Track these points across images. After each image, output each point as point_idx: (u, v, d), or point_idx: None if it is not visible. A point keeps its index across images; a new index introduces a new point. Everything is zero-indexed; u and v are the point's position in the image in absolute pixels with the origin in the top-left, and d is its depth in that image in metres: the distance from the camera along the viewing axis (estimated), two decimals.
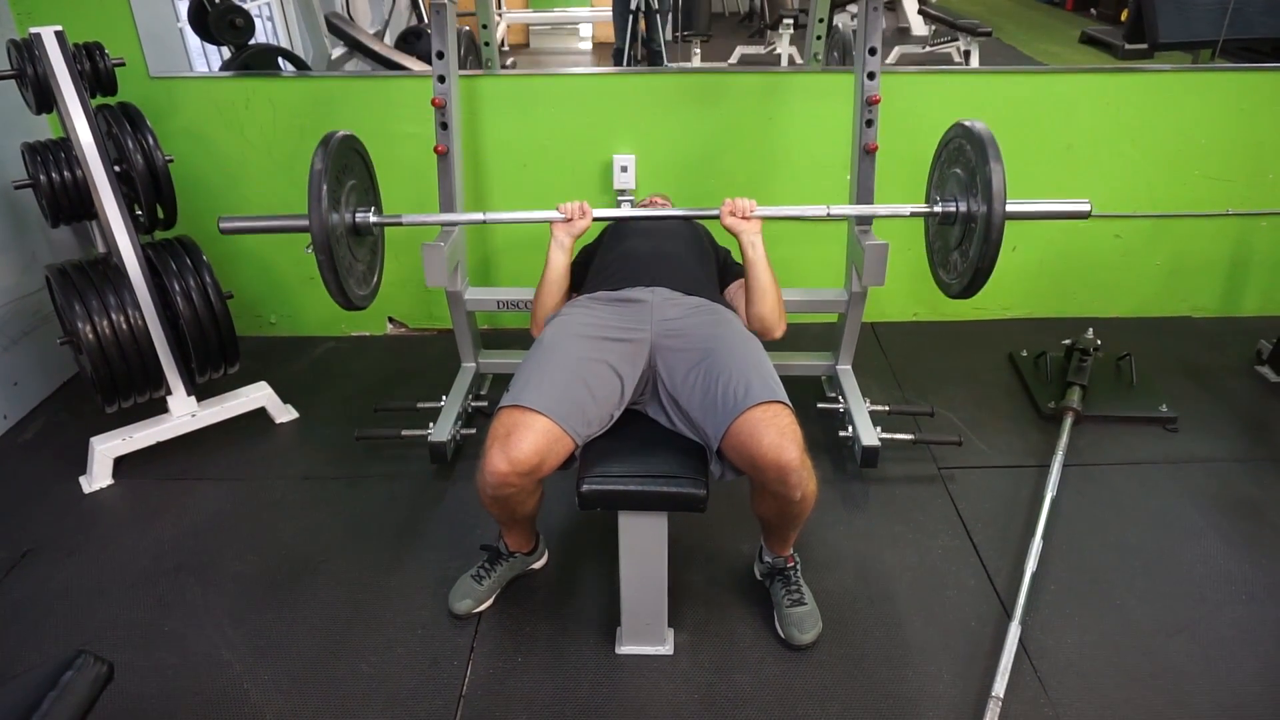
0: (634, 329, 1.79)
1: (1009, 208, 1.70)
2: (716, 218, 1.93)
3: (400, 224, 1.99)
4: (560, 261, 1.97)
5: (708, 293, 1.93)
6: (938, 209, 1.91)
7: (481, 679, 1.77)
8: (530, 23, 4.04)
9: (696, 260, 2.07)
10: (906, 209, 1.98)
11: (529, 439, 1.57)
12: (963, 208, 1.85)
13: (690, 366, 1.70)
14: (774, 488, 1.59)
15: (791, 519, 1.73)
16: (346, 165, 1.87)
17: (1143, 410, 2.58)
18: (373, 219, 1.93)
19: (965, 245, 1.85)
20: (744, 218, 1.91)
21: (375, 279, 2.05)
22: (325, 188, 1.70)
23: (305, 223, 1.71)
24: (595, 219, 1.98)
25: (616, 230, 2.20)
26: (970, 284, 1.82)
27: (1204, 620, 1.88)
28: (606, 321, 1.81)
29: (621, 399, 1.73)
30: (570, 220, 1.95)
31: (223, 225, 1.87)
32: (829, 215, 2.03)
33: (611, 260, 2.05)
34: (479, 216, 2.08)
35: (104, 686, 1.13)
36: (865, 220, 2.42)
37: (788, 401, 1.61)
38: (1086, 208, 1.82)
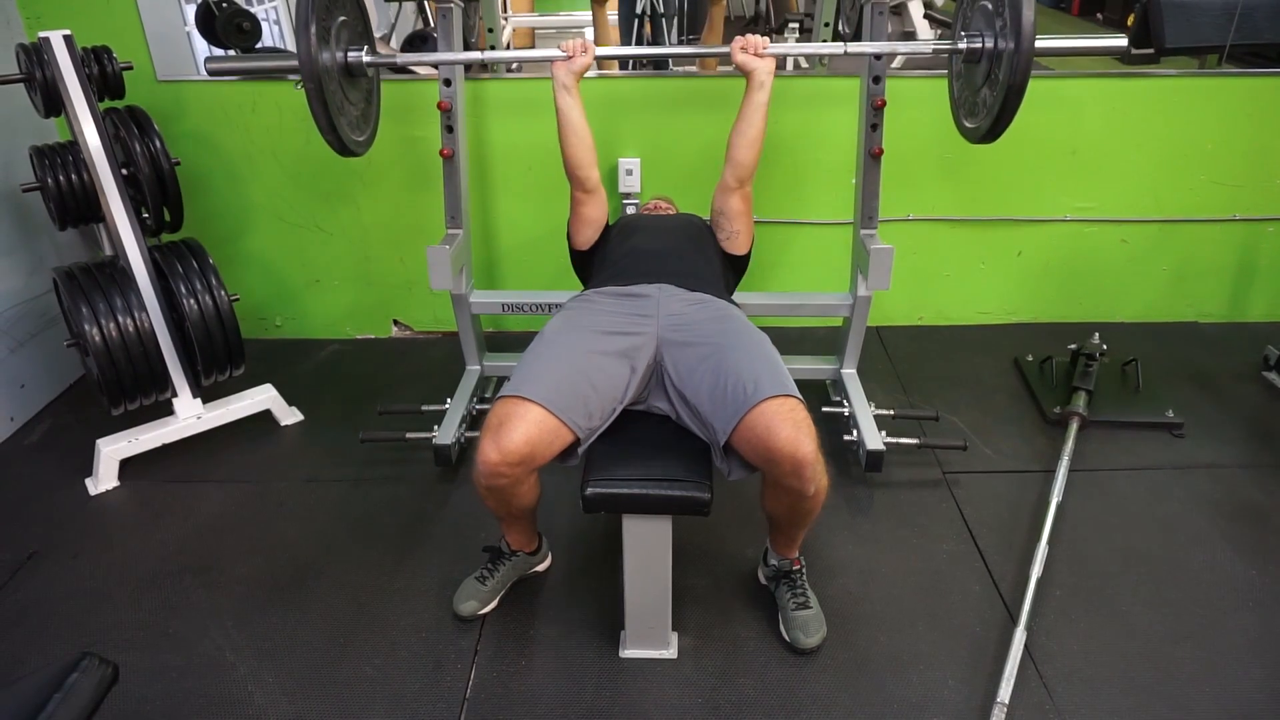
0: (639, 324, 1.79)
1: (1039, 44, 1.65)
2: (728, 54, 1.97)
3: (394, 62, 1.95)
4: (569, 104, 2.00)
5: (714, 290, 1.93)
6: (963, 45, 1.86)
7: (485, 681, 1.77)
8: (536, 27, 4.05)
9: (702, 257, 2.07)
10: (929, 45, 1.94)
11: (520, 429, 1.57)
12: (989, 43, 1.80)
13: (698, 361, 1.70)
14: (788, 482, 1.58)
15: (802, 515, 1.73)
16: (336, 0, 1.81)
17: (1149, 416, 2.57)
18: (366, 58, 1.88)
19: (991, 82, 1.79)
20: (756, 54, 1.94)
21: (371, 128, 1.99)
22: (314, 15, 1.64)
23: (294, 63, 1.66)
24: (597, 57, 2.00)
25: (623, 226, 2.21)
26: (993, 127, 1.77)
27: (1210, 627, 1.87)
28: (611, 316, 1.81)
29: (625, 392, 1.73)
30: (571, 57, 1.97)
31: (209, 66, 1.86)
32: (846, 53, 2.01)
33: (617, 256, 2.05)
34: (477, 56, 2.05)
35: (109, 688, 1.13)
36: (870, 223, 2.42)
37: (800, 396, 1.61)
38: (1123, 43, 1.76)
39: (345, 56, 1.84)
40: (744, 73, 1.98)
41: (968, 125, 1.92)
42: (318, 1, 1.68)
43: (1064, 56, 1.80)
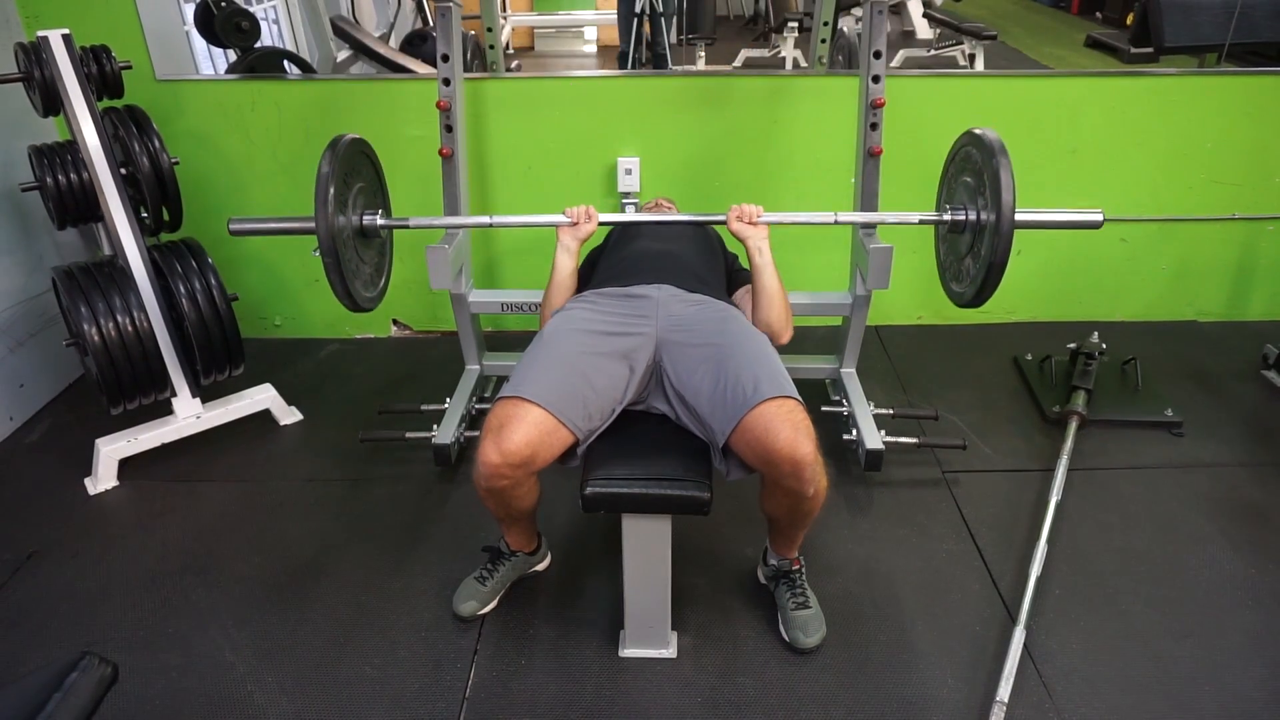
0: (639, 324, 1.79)
1: (1019, 216, 1.69)
2: (723, 223, 1.94)
3: (407, 226, 2.00)
4: (566, 266, 1.97)
5: (714, 291, 1.93)
6: (947, 217, 1.90)
7: (485, 681, 1.77)
8: (535, 26, 4.04)
9: (703, 261, 2.07)
10: (915, 216, 1.97)
11: (521, 430, 1.57)
12: (972, 216, 1.84)
13: (697, 362, 1.70)
14: (787, 483, 1.58)
15: (802, 516, 1.73)
16: (354, 168, 1.88)
17: (1148, 415, 2.57)
18: (380, 221, 1.94)
19: (975, 253, 1.84)
20: (750, 223, 1.91)
21: (383, 281, 2.06)
22: (332, 191, 1.71)
23: (312, 225, 1.72)
24: (601, 223, 1.98)
25: (624, 230, 2.20)
26: (979, 293, 1.81)
27: (1210, 625, 1.87)
28: (610, 316, 1.81)
29: (625, 392, 1.73)
30: (576, 224, 1.95)
31: (232, 227, 1.88)
32: (836, 222, 2.02)
33: (618, 259, 2.05)
34: (485, 220, 2.09)
35: (108, 688, 1.13)
36: (870, 225, 2.42)
37: (799, 397, 1.61)
38: (1099, 218, 1.79)
39: (361, 221, 1.90)
40: (740, 240, 1.93)
41: (954, 289, 1.97)
42: (337, 176, 1.74)
43: (1043, 229, 1.85)
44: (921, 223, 1.96)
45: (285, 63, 3.10)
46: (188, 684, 1.78)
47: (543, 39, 4.08)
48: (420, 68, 3.04)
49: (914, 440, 2.39)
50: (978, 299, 1.83)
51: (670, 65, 3.32)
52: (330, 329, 3.23)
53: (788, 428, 1.54)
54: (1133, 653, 1.81)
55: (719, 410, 1.62)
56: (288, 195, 2.97)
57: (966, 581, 2.01)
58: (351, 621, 1.93)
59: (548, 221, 1.99)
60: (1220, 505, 2.23)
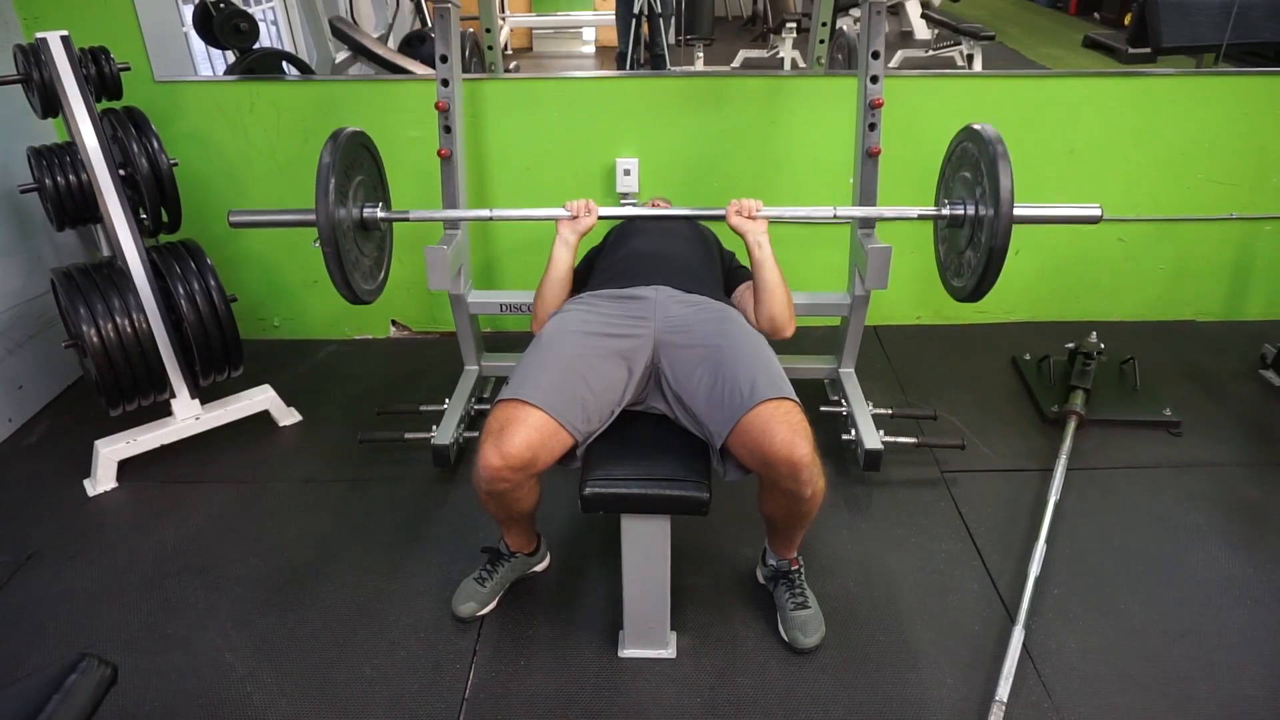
0: (636, 325, 1.79)
1: (1017, 211, 1.69)
2: (722, 218, 1.94)
3: (407, 219, 2.00)
4: (564, 259, 1.97)
5: (711, 292, 1.93)
6: (945, 211, 1.91)
7: (484, 682, 1.77)
8: (534, 26, 4.05)
9: (701, 261, 2.07)
10: (914, 211, 1.98)
11: (522, 433, 1.57)
12: (970, 211, 1.84)
13: (695, 364, 1.70)
14: (785, 485, 1.58)
15: (800, 517, 1.73)
16: (355, 161, 1.88)
17: (1146, 414, 2.58)
18: (380, 214, 1.94)
19: (975, 244, 1.84)
20: (749, 217, 1.91)
21: (382, 274, 2.06)
22: (333, 182, 1.71)
23: (313, 217, 1.72)
24: (601, 217, 1.98)
25: (621, 231, 2.20)
26: (977, 287, 1.81)
27: (1208, 625, 1.87)
28: (608, 318, 1.81)
29: (623, 394, 1.73)
30: (576, 218, 1.95)
31: (232, 219, 1.89)
32: (835, 217, 2.02)
33: (615, 260, 2.05)
34: (485, 214, 2.08)
35: (107, 690, 1.13)
36: (869, 223, 2.42)
37: (796, 398, 1.61)
38: (1097, 213, 1.80)
39: (361, 213, 1.90)
40: (739, 235, 1.92)
41: (954, 284, 1.97)
42: (338, 168, 1.74)
43: (1042, 224, 1.86)
44: (920, 217, 1.97)
45: (284, 64, 3.10)
46: (187, 685, 1.78)
47: (541, 39, 4.08)
48: (419, 69, 3.04)
49: (913, 440, 2.40)
50: (978, 290, 1.82)
51: (669, 66, 3.32)
52: (329, 330, 3.23)
53: (785, 429, 1.54)
54: (1131, 652, 1.81)
55: (716, 412, 1.62)
56: (287, 196, 2.97)
57: (965, 581, 2.01)
58: (350, 622, 1.93)
59: (548, 215, 1.99)
60: (1218, 504, 2.23)
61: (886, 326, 3.19)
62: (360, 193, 1.90)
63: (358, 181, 1.89)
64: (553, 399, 1.62)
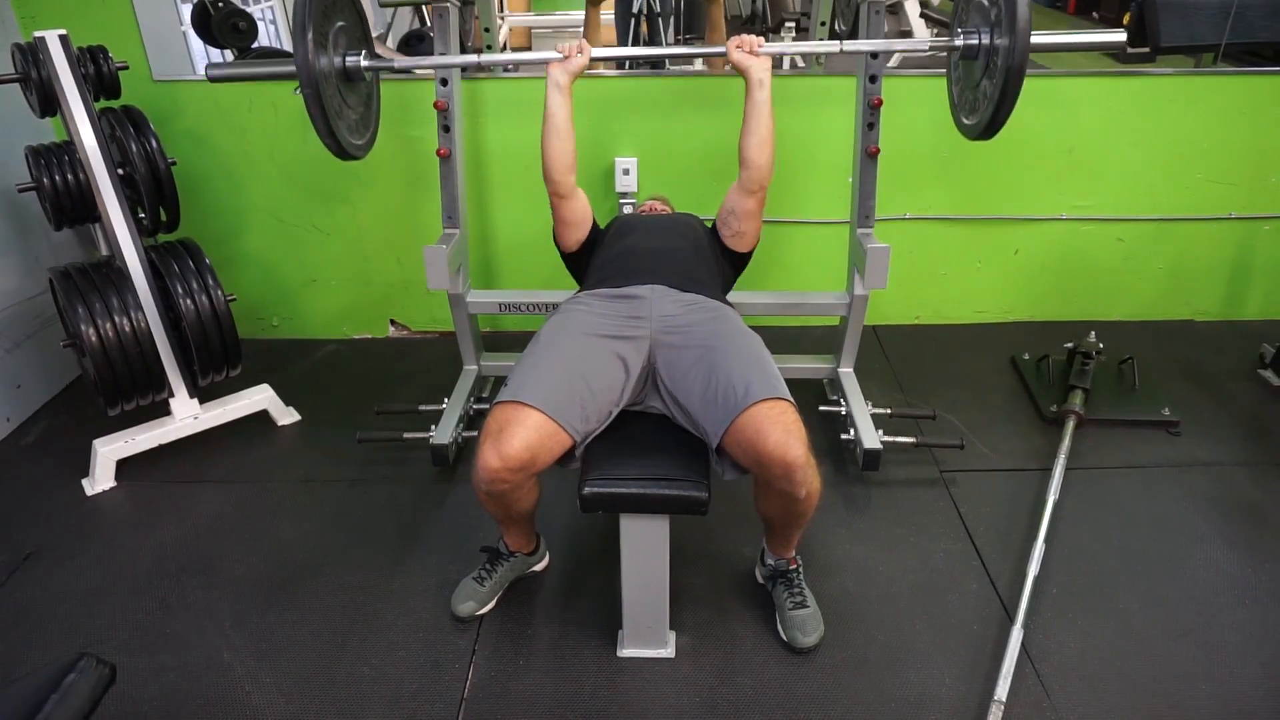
0: (633, 326, 1.79)
1: (1035, 40, 1.66)
2: (724, 54, 1.95)
3: (392, 67, 1.96)
4: (560, 105, 1.98)
5: (707, 290, 1.93)
6: (959, 41, 1.88)
7: (483, 681, 1.77)
8: (533, 26, 4.04)
9: (696, 258, 2.07)
10: (926, 43, 1.95)
11: (521, 434, 1.57)
12: (985, 40, 1.81)
13: (690, 364, 1.70)
14: (779, 485, 1.59)
15: (796, 517, 1.73)
16: (334, 4, 1.82)
17: (1145, 414, 2.58)
18: (364, 63, 1.90)
19: (990, 73, 1.80)
20: (751, 52, 1.93)
21: (370, 131, 2.01)
22: (310, 20, 1.66)
23: (293, 68, 1.68)
24: (594, 58, 1.99)
25: (620, 226, 2.20)
26: (994, 117, 1.78)
27: (1207, 624, 1.87)
28: (605, 318, 1.81)
29: (621, 395, 1.73)
30: (567, 58, 1.96)
31: (210, 73, 1.86)
32: (842, 50, 2.01)
33: (612, 257, 2.05)
34: (473, 59, 2.05)
35: (106, 689, 1.13)
36: (867, 223, 2.42)
37: (790, 398, 1.61)
38: (1121, 38, 1.76)
39: (344, 61, 1.85)
40: (740, 71, 1.96)
41: (967, 123, 1.93)
42: (315, 7, 1.69)
43: (1061, 52, 1.80)
44: (933, 48, 1.93)
45: None
46: (185, 685, 1.78)
47: (540, 39, 4.07)
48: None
49: (912, 440, 2.40)
50: (994, 120, 1.79)
51: (668, 65, 3.32)
52: (328, 329, 3.23)
53: (779, 430, 1.54)
54: (1130, 651, 1.81)
55: (711, 412, 1.63)
56: (285, 195, 2.97)
57: (964, 581, 2.01)
58: (349, 622, 1.93)
59: (541, 58, 1.99)
60: (1217, 504, 2.24)
61: (885, 326, 3.19)
62: (342, 39, 1.84)
63: (338, 26, 1.82)
64: (551, 400, 1.61)
